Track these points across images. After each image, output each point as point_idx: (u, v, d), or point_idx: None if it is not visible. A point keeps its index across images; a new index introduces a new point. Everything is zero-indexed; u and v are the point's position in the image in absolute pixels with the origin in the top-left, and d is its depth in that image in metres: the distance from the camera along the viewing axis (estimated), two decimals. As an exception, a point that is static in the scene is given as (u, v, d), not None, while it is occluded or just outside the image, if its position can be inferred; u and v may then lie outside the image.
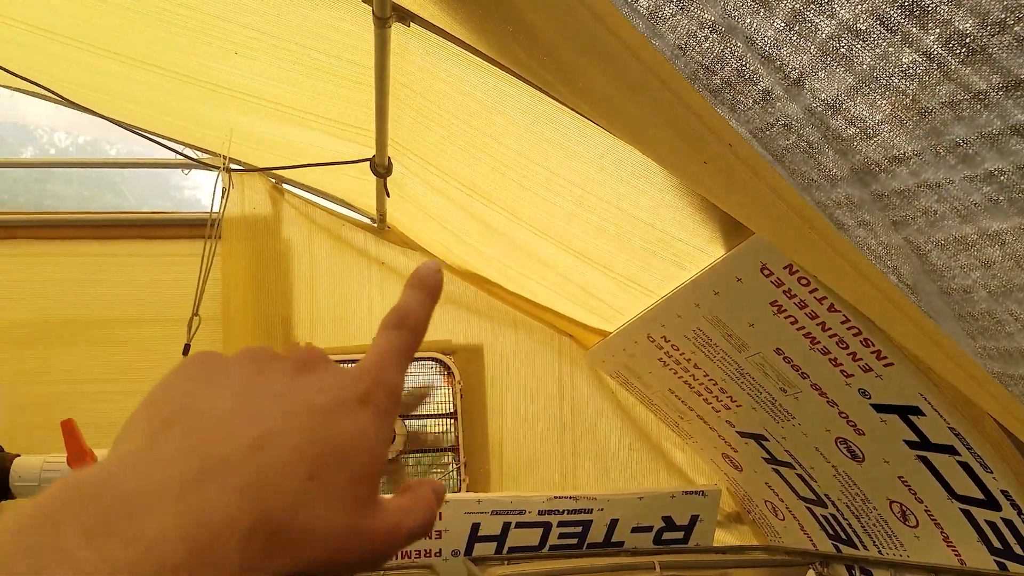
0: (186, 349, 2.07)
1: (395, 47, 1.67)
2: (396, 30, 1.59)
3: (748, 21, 0.68)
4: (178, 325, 2.17)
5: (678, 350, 2.06)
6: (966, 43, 0.58)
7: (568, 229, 2.04)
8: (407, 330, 0.44)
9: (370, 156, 2.36)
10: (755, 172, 0.97)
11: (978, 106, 0.61)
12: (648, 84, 0.94)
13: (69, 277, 2.69)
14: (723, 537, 2.42)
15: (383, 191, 2.56)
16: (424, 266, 0.47)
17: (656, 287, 1.96)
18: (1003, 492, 1.43)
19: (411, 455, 2.54)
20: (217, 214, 2.50)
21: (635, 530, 2.32)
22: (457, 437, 2.55)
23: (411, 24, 1.59)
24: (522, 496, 2.29)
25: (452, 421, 2.57)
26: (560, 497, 2.28)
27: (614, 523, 2.31)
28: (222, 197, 2.53)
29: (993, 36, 0.56)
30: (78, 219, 2.79)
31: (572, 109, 1.52)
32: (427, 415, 2.59)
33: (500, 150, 1.91)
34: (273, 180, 2.89)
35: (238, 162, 2.75)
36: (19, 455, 1.74)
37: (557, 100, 1.52)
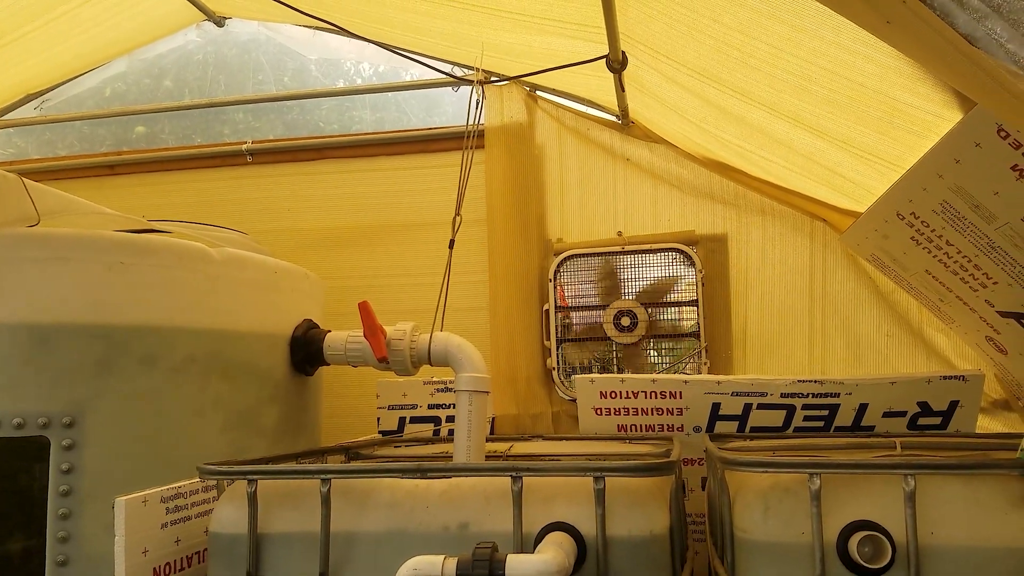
0: (451, 244, 2.39)
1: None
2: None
3: None
4: (446, 227, 2.48)
5: (928, 227, 1.91)
6: None
7: (799, 104, 1.97)
8: None
9: (604, 54, 2.44)
10: (931, 27, 0.92)
11: None
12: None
13: (367, 190, 3.19)
14: (988, 424, 2.23)
15: (619, 86, 2.63)
16: None
17: (898, 160, 1.83)
18: None
19: (651, 339, 2.68)
20: (473, 125, 2.76)
21: (887, 415, 2.23)
22: (699, 324, 2.62)
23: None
24: (763, 379, 2.31)
25: (694, 309, 2.64)
26: (803, 380, 2.27)
27: (863, 407, 2.25)
28: (476, 108, 2.78)
29: None
30: (374, 139, 3.27)
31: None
32: (666, 303, 2.69)
33: (721, 29, 1.89)
34: (528, 88, 3.08)
35: (494, 74, 2.99)
36: (329, 331, 2.20)
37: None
